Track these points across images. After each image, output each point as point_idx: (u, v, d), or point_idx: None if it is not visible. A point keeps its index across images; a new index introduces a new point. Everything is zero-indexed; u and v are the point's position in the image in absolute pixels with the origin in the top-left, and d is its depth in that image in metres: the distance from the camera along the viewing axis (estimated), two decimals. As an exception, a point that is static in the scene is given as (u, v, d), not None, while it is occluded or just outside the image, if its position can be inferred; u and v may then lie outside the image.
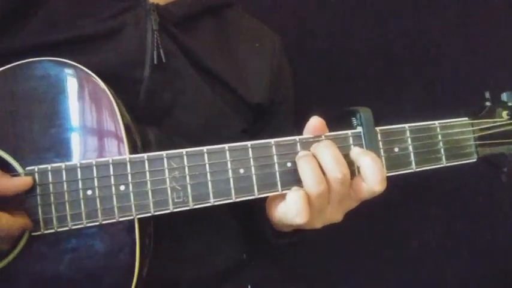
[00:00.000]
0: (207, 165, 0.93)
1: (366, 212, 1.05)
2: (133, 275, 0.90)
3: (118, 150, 0.93)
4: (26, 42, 1.03)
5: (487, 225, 1.86)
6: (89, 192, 0.90)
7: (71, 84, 0.94)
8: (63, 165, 0.89)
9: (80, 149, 0.92)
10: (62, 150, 0.91)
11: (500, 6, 1.87)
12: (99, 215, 0.89)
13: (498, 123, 1.06)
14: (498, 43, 1.87)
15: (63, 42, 1.04)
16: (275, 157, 0.95)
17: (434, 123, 1.03)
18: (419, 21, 1.83)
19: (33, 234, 0.89)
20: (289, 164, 0.96)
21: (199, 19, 1.20)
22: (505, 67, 1.81)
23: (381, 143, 1.00)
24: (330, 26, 1.78)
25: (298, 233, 1.08)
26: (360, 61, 1.78)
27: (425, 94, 1.78)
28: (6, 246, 0.88)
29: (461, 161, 1.04)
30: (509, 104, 1.08)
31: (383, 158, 0.99)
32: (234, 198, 0.94)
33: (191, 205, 0.92)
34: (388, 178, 0.97)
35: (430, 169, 1.02)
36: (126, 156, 0.91)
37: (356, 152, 0.96)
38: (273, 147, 0.96)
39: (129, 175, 0.91)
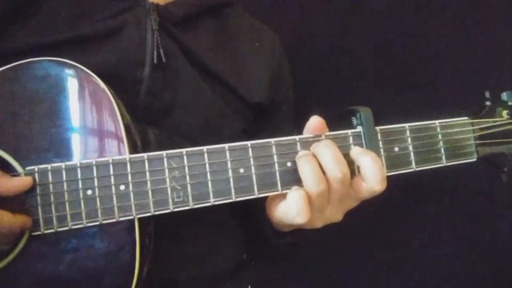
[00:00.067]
0: (207, 165, 0.93)
1: (366, 212, 1.05)
2: (133, 275, 0.90)
3: (118, 150, 0.93)
4: (26, 42, 1.03)
5: (487, 225, 1.86)
6: (89, 192, 0.90)
7: (71, 84, 0.94)
8: (63, 165, 0.89)
9: (80, 149, 0.92)
10: (62, 150, 0.91)
11: (500, 6, 1.87)
12: (99, 214, 0.89)
13: (498, 123, 1.06)
14: (498, 43, 1.86)
15: (63, 42, 1.04)
16: (275, 157, 0.95)
17: (434, 123, 1.03)
18: (419, 21, 1.83)
19: (33, 234, 0.89)
20: (289, 164, 0.96)
21: (199, 19, 1.20)
22: (505, 67, 1.81)
23: (381, 143, 1.00)
24: (330, 26, 1.78)
25: (298, 233, 1.08)
26: (360, 61, 1.78)
27: (425, 94, 1.78)
28: (6, 246, 0.88)
29: (461, 160, 1.05)
30: (509, 103, 1.08)
31: (383, 157, 0.99)
32: (234, 198, 0.94)
33: (191, 205, 0.92)
34: (388, 178, 0.97)
35: (430, 169, 1.02)
36: (126, 156, 0.91)
37: (356, 152, 0.97)
38: (273, 147, 0.96)
39: (129, 175, 0.91)
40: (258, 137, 0.98)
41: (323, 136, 0.98)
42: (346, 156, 0.96)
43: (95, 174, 0.90)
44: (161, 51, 1.08)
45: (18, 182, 0.88)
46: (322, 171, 0.93)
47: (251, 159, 0.94)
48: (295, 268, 1.71)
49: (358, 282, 1.80)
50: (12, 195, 0.87)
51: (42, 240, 0.89)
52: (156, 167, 0.92)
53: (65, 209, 0.89)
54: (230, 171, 0.94)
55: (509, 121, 1.07)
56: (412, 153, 1.01)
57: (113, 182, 0.90)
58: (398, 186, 1.01)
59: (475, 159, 1.05)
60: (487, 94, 1.10)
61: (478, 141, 1.05)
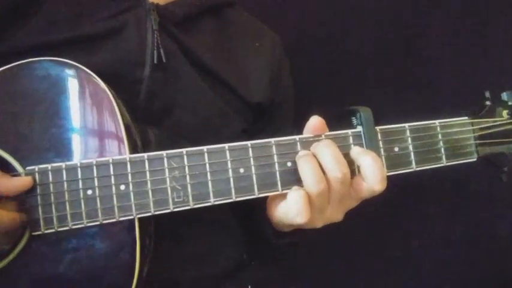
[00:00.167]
0: (207, 165, 0.93)
1: (366, 212, 1.05)
2: (133, 275, 0.90)
3: (118, 150, 0.93)
4: (26, 42, 1.03)
5: (487, 225, 1.86)
6: (89, 191, 0.90)
7: (71, 84, 0.94)
8: (63, 164, 0.89)
9: (80, 149, 0.92)
10: (62, 150, 0.91)
11: (500, 6, 1.87)
12: (100, 214, 0.89)
13: (498, 123, 1.06)
14: (498, 43, 1.86)
15: (63, 42, 1.04)
16: (275, 157, 0.95)
17: (435, 123, 1.03)
18: (420, 21, 1.83)
19: (34, 233, 0.89)
20: (289, 164, 0.96)
21: (200, 19, 1.20)
22: (505, 67, 1.81)
23: (381, 143, 1.00)
24: (330, 26, 1.78)
25: (298, 233, 1.08)
26: (360, 61, 1.78)
27: (425, 94, 1.78)
28: (7, 246, 0.88)
29: (461, 160, 1.04)
30: (510, 103, 1.08)
31: (383, 157, 0.99)
32: (234, 198, 0.94)
33: (191, 205, 0.92)
34: (388, 177, 0.97)
35: (430, 169, 1.02)
36: (127, 156, 0.91)
37: (356, 152, 0.97)
38: (273, 147, 0.96)
39: (129, 175, 0.91)
40: (259, 137, 0.98)
41: (323, 136, 0.98)
42: (346, 156, 0.96)
43: (95, 174, 0.90)
44: (161, 51, 1.08)
45: (18, 182, 0.88)
46: (323, 171, 0.93)
47: (251, 159, 0.94)
48: (295, 268, 1.71)
49: (358, 282, 1.81)
50: (12, 195, 0.87)
51: (43, 240, 0.89)
52: (156, 167, 0.91)
53: (65, 208, 0.89)
54: (230, 171, 0.94)
55: (509, 121, 1.07)
56: (412, 153, 1.01)
57: (113, 182, 0.90)
58: (398, 186, 1.01)
59: (475, 159, 1.05)
60: (487, 94, 1.10)
61: (478, 141, 1.05)
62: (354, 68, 1.78)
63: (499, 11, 1.87)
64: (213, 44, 1.21)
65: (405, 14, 1.83)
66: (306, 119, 0.99)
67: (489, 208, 1.85)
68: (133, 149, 0.94)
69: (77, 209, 0.89)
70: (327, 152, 0.93)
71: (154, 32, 1.08)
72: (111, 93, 0.94)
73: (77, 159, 0.91)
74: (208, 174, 0.93)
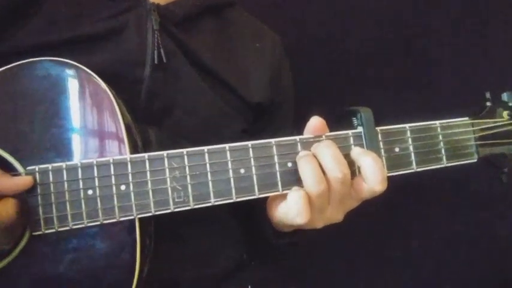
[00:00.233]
0: (208, 165, 0.93)
1: (366, 212, 1.05)
2: (133, 275, 0.90)
3: (119, 150, 0.93)
4: (27, 42, 1.03)
5: (487, 225, 1.86)
6: (90, 191, 0.90)
7: (72, 84, 0.94)
8: (64, 164, 0.89)
9: (80, 149, 0.92)
10: (62, 150, 0.91)
11: (500, 7, 1.87)
12: (100, 214, 0.89)
13: (499, 123, 1.06)
14: (498, 43, 1.87)
15: (63, 42, 1.04)
16: (276, 157, 0.95)
17: (435, 123, 1.03)
18: (420, 21, 1.83)
19: (34, 233, 0.89)
20: (289, 164, 0.96)
21: (200, 19, 1.20)
22: (505, 67, 1.81)
23: (381, 143, 1.00)
24: (330, 26, 1.78)
25: (298, 233, 1.08)
26: (360, 61, 1.78)
27: (426, 94, 1.78)
28: (7, 246, 0.88)
29: (461, 161, 1.04)
30: (510, 104, 1.08)
31: (384, 158, 0.99)
32: (234, 198, 0.94)
33: (192, 205, 0.92)
34: (389, 178, 0.97)
35: (430, 169, 1.03)
36: (127, 156, 0.91)
37: (357, 152, 0.97)
38: (274, 147, 0.96)
39: (130, 175, 0.91)
40: (259, 137, 0.98)
41: (323, 136, 0.98)
42: (347, 156, 0.96)
43: (95, 174, 0.90)
44: (162, 51, 1.08)
45: (19, 181, 0.88)
46: (323, 172, 0.93)
47: (252, 159, 0.94)
48: (295, 268, 1.71)
49: (358, 282, 1.81)
50: (12, 194, 0.87)
51: (43, 240, 0.89)
52: (156, 167, 0.91)
53: (66, 208, 0.89)
54: (231, 171, 0.94)
55: (509, 122, 1.07)
56: (412, 154, 1.01)
57: (113, 182, 0.90)
58: (399, 187, 1.01)
59: (475, 160, 1.05)
60: (488, 95, 1.10)
61: (478, 142, 1.05)
62: (354, 68, 1.78)
63: (499, 11, 1.87)
64: (213, 44, 1.21)
65: (405, 14, 1.83)
66: (307, 120, 0.99)
67: (489, 208, 1.85)
68: (134, 149, 0.94)
69: (78, 209, 0.89)
70: (328, 152, 0.93)
71: (155, 32, 1.08)
72: (112, 93, 0.94)
73: (77, 159, 0.91)
74: (209, 174, 0.93)
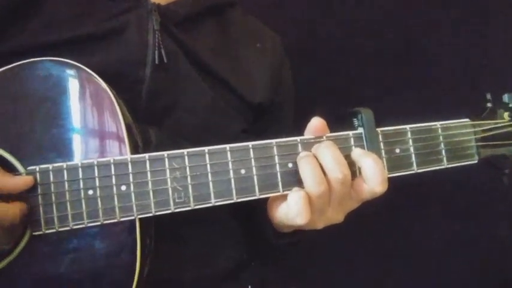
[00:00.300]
0: (208, 166, 0.93)
1: (366, 212, 1.05)
2: (134, 275, 0.90)
3: (119, 150, 0.93)
4: (27, 42, 1.04)
5: (487, 226, 1.86)
6: (90, 192, 0.90)
7: (73, 85, 0.94)
8: (64, 164, 0.89)
9: (81, 149, 0.92)
10: (63, 150, 0.91)
11: (501, 7, 1.87)
12: (101, 214, 0.89)
13: (500, 125, 1.06)
14: (498, 43, 1.87)
15: (64, 42, 1.04)
16: (276, 158, 0.95)
17: (436, 125, 1.03)
18: (419, 21, 1.83)
19: (35, 233, 0.89)
20: (290, 165, 0.96)
21: (201, 19, 1.21)
22: (506, 68, 1.80)
23: (382, 144, 1.00)
24: (330, 26, 1.78)
25: (298, 233, 1.08)
26: (360, 61, 1.78)
27: (427, 95, 1.78)
28: (7, 246, 0.88)
29: (462, 162, 1.04)
30: (511, 105, 1.08)
31: (384, 159, 0.99)
32: (235, 199, 0.94)
33: (192, 205, 0.92)
34: (389, 179, 0.97)
35: (431, 170, 1.03)
36: (128, 156, 0.91)
37: (357, 153, 0.97)
38: (274, 148, 0.96)
39: (131, 175, 0.91)
40: (259, 137, 0.98)
41: (324, 137, 0.98)
42: (347, 157, 0.96)
43: (96, 174, 0.90)
44: (162, 51, 1.08)
45: (19, 181, 0.88)
46: (324, 173, 0.93)
47: (252, 160, 0.94)
48: (296, 268, 1.71)
49: (358, 282, 1.81)
50: (13, 194, 0.87)
51: (43, 240, 0.89)
52: (157, 168, 0.91)
53: (66, 208, 0.89)
54: (231, 172, 0.94)
55: (510, 123, 1.07)
56: (413, 155, 1.01)
57: (114, 182, 0.90)
58: (399, 187, 1.01)
59: (476, 161, 1.05)
60: (489, 96, 1.10)
61: (479, 143, 1.05)
62: (354, 68, 1.78)
63: (499, 11, 1.87)
64: (214, 44, 1.21)
65: (405, 14, 1.83)
66: (307, 120, 0.99)
67: (489, 208, 1.85)
68: (135, 149, 0.94)
69: (78, 209, 0.89)
70: (328, 153, 0.93)
71: (156, 32, 1.08)
72: (112, 93, 0.94)
73: (78, 159, 0.91)
74: (209, 175, 0.93)
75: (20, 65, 0.94)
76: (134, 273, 0.90)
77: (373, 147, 0.98)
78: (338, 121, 1.01)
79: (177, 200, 0.92)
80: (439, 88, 1.80)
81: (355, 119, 1.01)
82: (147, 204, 0.91)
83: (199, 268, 1.10)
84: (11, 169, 0.89)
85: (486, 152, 1.05)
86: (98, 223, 0.89)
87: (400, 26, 1.82)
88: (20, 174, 0.89)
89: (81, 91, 0.94)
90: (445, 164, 1.03)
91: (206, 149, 0.93)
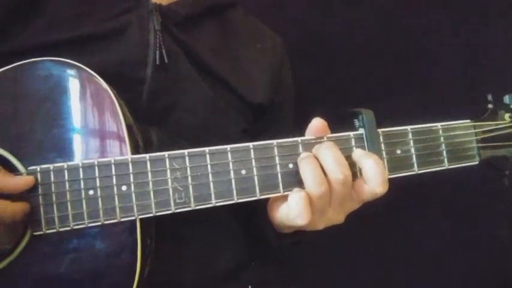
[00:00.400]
0: (209, 166, 0.93)
1: (367, 213, 1.05)
2: (134, 276, 0.90)
3: (120, 151, 0.92)
4: (28, 42, 1.03)
5: (488, 226, 1.86)
6: (91, 192, 0.89)
7: (74, 85, 0.94)
8: (65, 165, 0.89)
9: (82, 149, 0.92)
10: (64, 150, 0.91)
11: (500, 6, 1.87)
12: (101, 215, 0.89)
13: (500, 126, 1.06)
14: (499, 43, 1.87)
15: (65, 42, 1.04)
16: (277, 158, 0.95)
17: (437, 126, 1.03)
18: (419, 21, 1.83)
19: (35, 233, 0.89)
20: (291, 165, 0.96)
21: (202, 19, 1.21)
22: (507, 70, 1.80)
23: (383, 145, 1.00)
24: (330, 26, 1.78)
25: (299, 234, 1.08)
26: (361, 61, 1.78)
27: (427, 95, 1.78)
28: (8, 246, 0.88)
29: (463, 163, 1.04)
30: (512, 106, 1.09)
31: (385, 160, 0.99)
32: (235, 199, 0.94)
33: (193, 206, 0.92)
34: (390, 179, 0.97)
35: (431, 171, 1.03)
36: (128, 156, 0.91)
37: (358, 154, 0.97)
38: (275, 149, 0.95)
39: (131, 175, 0.90)
40: (260, 137, 0.98)
41: (325, 138, 0.98)
42: (348, 158, 0.96)
43: (97, 175, 0.90)
44: (163, 51, 1.08)
45: (20, 181, 0.87)
46: (324, 173, 0.93)
47: (253, 160, 0.94)
48: (296, 268, 1.71)
49: (358, 282, 1.81)
50: (14, 194, 0.86)
51: (44, 240, 0.89)
52: (158, 168, 0.91)
53: (67, 209, 0.89)
54: (232, 172, 0.94)
55: (511, 124, 1.07)
56: (414, 156, 1.01)
57: (114, 182, 0.90)
58: (399, 188, 1.01)
59: (477, 162, 1.05)
60: (490, 97, 1.10)
61: (480, 144, 1.05)
62: (354, 69, 1.78)
63: (499, 11, 1.87)
64: (215, 45, 1.21)
65: (405, 14, 1.83)
66: (307, 121, 0.99)
67: (489, 208, 1.85)
68: (135, 150, 0.94)
69: (79, 209, 0.89)
70: (329, 153, 0.93)
71: (157, 33, 1.08)
72: (113, 93, 0.94)
73: (78, 159, 0.91)
74: (210, 175, 0.93)
75: (20, 65, 0.94)
76: (135, 273, 0.90)
77: (374, 148, 0.98)
78: (339, 122, 1.01)
79: (177, 201, 0.91)
80: (439, 88, 1.80)
81: (356, 120, 1.00)
82: (147, 205, 0.91)
83: (200, 268, 1.10)
84: (11, 169, 0.89)
85: (487, 153, 1.05)
86: (99, 223, 0.89)
87: (400, 26, 1.82)
88: (20, 174, 0.89)
89: (82, 91, 0.94)
90: (445, 165, 1.03)
91: (207, 149, 0.93)
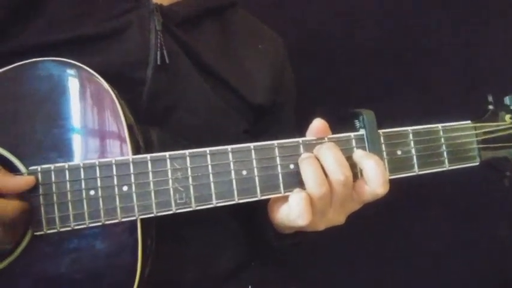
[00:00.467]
0: (210, 167, 0.93)
1: (367, 213, 1.05)
2: (135, 276, 0.90)
3: (121, 151, 0.93)
4: (29, 42, 1.03)
5: (488, 227, 1.87)
6: (92, 192, 0.89)
7: (74, 85, 0.94)
8: (66, 165, 0.89)
9: (83, 149, 0.92)
10: (65, 150, 0.91)
11: (500, 6, 1.87)
12: (102, 215, 0.89)
13: (501, 127, 1.06)
14: (499, 43, 1.87)
15: (66, 42, 1.04)
16: (278, 159, 0.95)
17: (437, 127, 1.03)
18: (419, 21, 1.83)
19: (36, 234, 0.89)
20: (292, 166, 0.96)
21: (203, 20, 1.20)
22: (505, 67, 1.81)
23: (383, 146, 1.00)
24: (330, 26, 1.78)
25: (299, 235, 1.08)
26: (361, 61, 1.78)
27: (427, 95, 1.78)
28: (9, 246, 0.88)
29: (464, 164, 1.04)
30: (512, 107, 1.09)
31: (386, 160, 0.99)
32: (236, 200, 0.94)
33: (193, 206, 0.92)
34: (390, 180, 0.97)
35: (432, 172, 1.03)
36: (129, 156, 0.91)
37: (359, 155, 0.97)
38: (276, 149, 0.95)
39: (132, 175, 0.90)
40: (261, 138, 0.98)
41: (326, 139, 0.98)
42: (349, 159, 0.96)
43: (97, 175, 0.90)
44: (164, 52, 1.08)
45: (21, 181, 0.87)
46: (325, 174, 0.93)
47: (254, 161, 0.94)
48: (296, 269, 1.71)
49: (359, 283, 1.81)
50: (14, 193, 0.86)
51: (45, 240, 0.89)
52: (159, 168, 0.91)
53: (68, 209, 0.89)
54: (233, 173, 0.93)
55: (511, 125, 1.07)
56: (414, 157, 1.01)
57: (115, 182, 0.90)
58: (400, 189, 1.01)
59: (477, 164, 1.05)
60: (490, 98, 1.10)
61: (480, 145, 1.05)
62: (354, 69, 1.78)
63: (499, 11, 1.87)
64: (216, 45, 1.21)
65: (405, 14, 1.83)
66: (308, 121, 0.99)
67: (489, 208, 1.85)
68: (136, 150, 0.94)
69: (80, 210, 0.89)
70: (330, 154, 0.93)
71: (158, 33, 1.08)
72: (114, 93, 0.94)
73: (79, 159, 0.91)
74: (211, 176, 0.93)
75: (21, 65, 0.93)
76: (135, 273, 0.90)
77: (374, 149, 0.98)
78: (340, 122, 1.01)
79: (178, 201, 0.91)
80: (439, 88, 1.80)
81: (356, 121, 1.01)
82: (148, 205, 0.91)
83: (201, 269, 1.10)
84: (12, 169, 0.89)
85: (487, 154, 1.05)
86: (100, 223, 0.89)
87: (400, 26, 1.82)
88: (21, 174, 0.89)
89: (83, 91, 0.94)
90: (446, 166, 1.03)
91: (208, 149, 0.93)
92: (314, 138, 0.98)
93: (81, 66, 0.94)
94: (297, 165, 0.95)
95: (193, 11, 1.17)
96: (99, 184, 0.90)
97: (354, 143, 0.99)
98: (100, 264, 0.91)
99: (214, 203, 0.93)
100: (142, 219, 0.91)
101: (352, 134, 0.99)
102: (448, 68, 1.82)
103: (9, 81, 0.93)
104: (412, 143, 1.01)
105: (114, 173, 0.90)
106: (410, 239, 1.83)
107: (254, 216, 1.16)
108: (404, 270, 1.82)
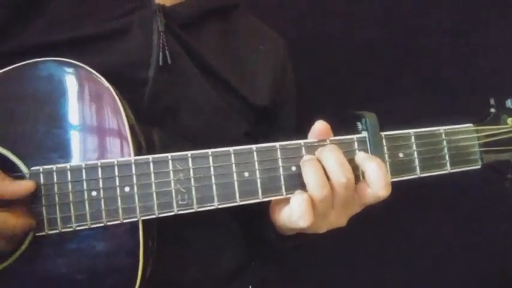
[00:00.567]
0: (212, 168, 0.93)
1: (368, 215, 1.05)
2: (136, 277, 0.90)
3: (123, 152, 0.92)
4: (30, 43, 1.03)
5: (489, 229, 1.87)
6: (94, 193, 0.89)
7: (76, 85, 0.94)
8: (68, 165, 0.89)
9: (84, 150, 0.92)
10: (66, 151, 0.91)
11: (500, 6, 1.87)
12: (104, 216, 0.89)
13: (503, 130, 1.06)
14: (498, 43, 1.86)
15: (67, 42, 1.04)
16: (280, 161, 0.95)
17: (439, 129, 1.03)
18: (419, 21, 1.83)
19: (37, 234, 0.88)
20: (293, 168, 0.96)
21: (205, 20, 1.20)
22: (505, 67, 1.80)
23: (385, 148, 0.99)
24: (330, 26, 1.78)
25: (300, 236, 1.08)
26: (361, 62, 1.78)
27: (427, 96, 1.78)
28: (10, 246, 0.88)
29: (465, 167, 1.04)
30: (514, 110, 1.09)
31: (388, 163, 0.99)
32: (238, 202, 0.93)
33: (195, 208, 0.92)
34: (392, 183, 0.97)
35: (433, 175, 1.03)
36: (131, 157, 0.91)
37: (361, 157, 0.96)
38: (278, 151, 0.95)
39: (134, 176, 0.90)
40: (262, 139, 0.98)
41: (328, 141, 0.98)
42: (351, 161, 0.96)
43: (99, 176, 0.89)
44: (167, 52, 1.07)
45: (20, 187, 0.87)
46: (327, 176, 0.93)
47: (256, 163, 0.94)
48: (296, 269, 1.72)
49: (359, 284, 1.81)
50: (14, 199, 0.86)
51: (46, 240, 0.89)
52: (161, 169, 0.91)
53: (70, 209, 0.89)
54: (235, 174, 0.93)
55: (514, 128, 1.07)
56: (416, 160, 1.01)
57: (117, 183, 0.90)
58: (401, 191, 1.01)
59: (479, 166, 1.05)
60: (492, 101, 1.10)
61: (482, 148, 1.05)
62: (354, 69, 1.78)
63: (499, 11, 1.87)
64: (218, 46, 1.21)
65: (405, 14, 1.83)
66: (309, 122, 0.99)
67: (490, 210, 1.85)
68: (138, 151, 0.94)
69: (81, 210, 0.89)
70: (332, 156, 0.93)
71: (160, 34, 1.08)
72: (116, 94, 0.94)
73: (81, 160, 0.91)
74: (213, 177, 0.93)
75: (23, 65, 0.93)
76: (137, 274, 0.90)
77: (376, 151, 0.98)
78: (342, 124, 1.01)
79: (180, 202, 0.91)
80: (439, 88, 1.80)
81: (359, 123, 1.01)
82: (150, 206, 0.90)
83: (202, 269, 1.10)
84: (14, 169, 0.89)
85: (489, 158, 1.05)
86: (101, 224, 0.89)
87: (400, 26, 1.81)
88: (23, 175, 0.89)
89: (84, 91, 0.94)
90: (448, 169, 1.03)
91: (210, 151, 0.93)
92: (316, 140, 0.98)
93: (82, 66, 0.94)
94: (298, 167, 0.95)
95: (196, 11, 1.17)
96: (101, 185, 0.89)
97: (356, 145, 0.99)
98: (101, 264, 0.90)
99: (216, 204, 0.93)
100: (143, 220, 0.91)
101: (354, 137, 0.99)
102: (448, 68, 1.82)
103: (10, 82, 0.93)
104: (414, 145, 1.01)
105: (116, 174, 0.90)
106: (411, 241, 1.83)
107: (254, 218, 1.16)
108: (404, 271, 1.82)
